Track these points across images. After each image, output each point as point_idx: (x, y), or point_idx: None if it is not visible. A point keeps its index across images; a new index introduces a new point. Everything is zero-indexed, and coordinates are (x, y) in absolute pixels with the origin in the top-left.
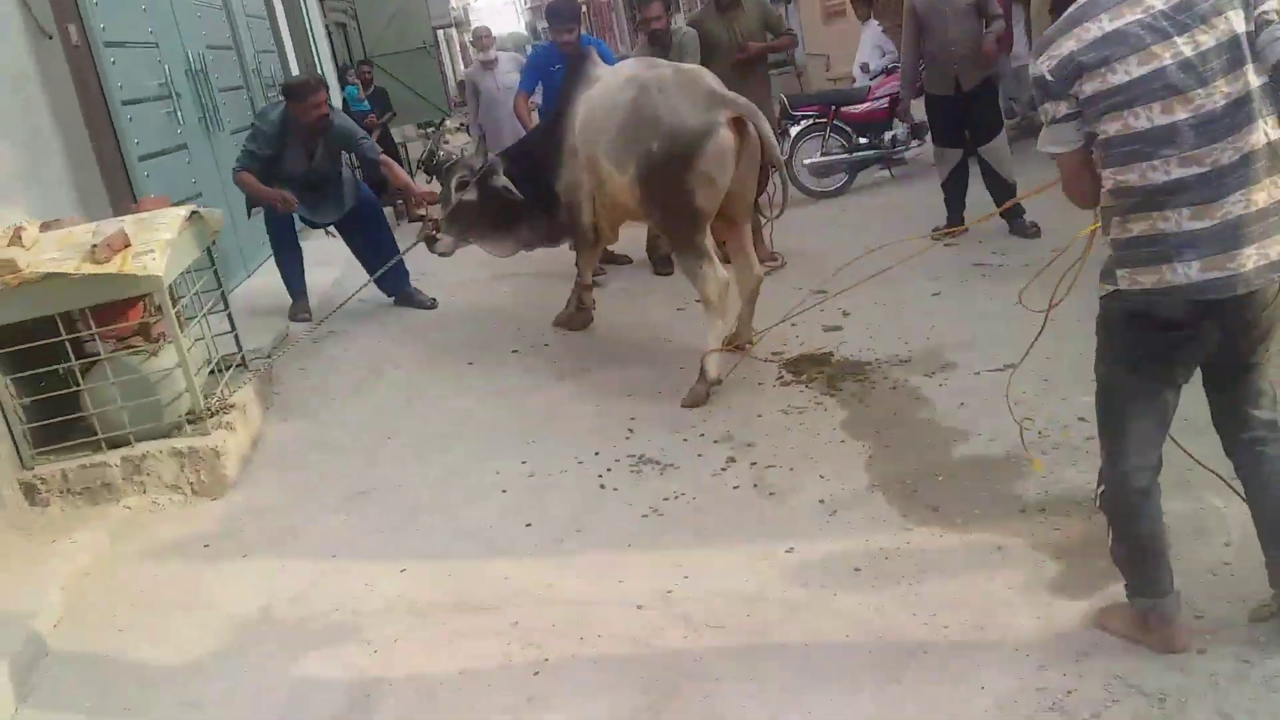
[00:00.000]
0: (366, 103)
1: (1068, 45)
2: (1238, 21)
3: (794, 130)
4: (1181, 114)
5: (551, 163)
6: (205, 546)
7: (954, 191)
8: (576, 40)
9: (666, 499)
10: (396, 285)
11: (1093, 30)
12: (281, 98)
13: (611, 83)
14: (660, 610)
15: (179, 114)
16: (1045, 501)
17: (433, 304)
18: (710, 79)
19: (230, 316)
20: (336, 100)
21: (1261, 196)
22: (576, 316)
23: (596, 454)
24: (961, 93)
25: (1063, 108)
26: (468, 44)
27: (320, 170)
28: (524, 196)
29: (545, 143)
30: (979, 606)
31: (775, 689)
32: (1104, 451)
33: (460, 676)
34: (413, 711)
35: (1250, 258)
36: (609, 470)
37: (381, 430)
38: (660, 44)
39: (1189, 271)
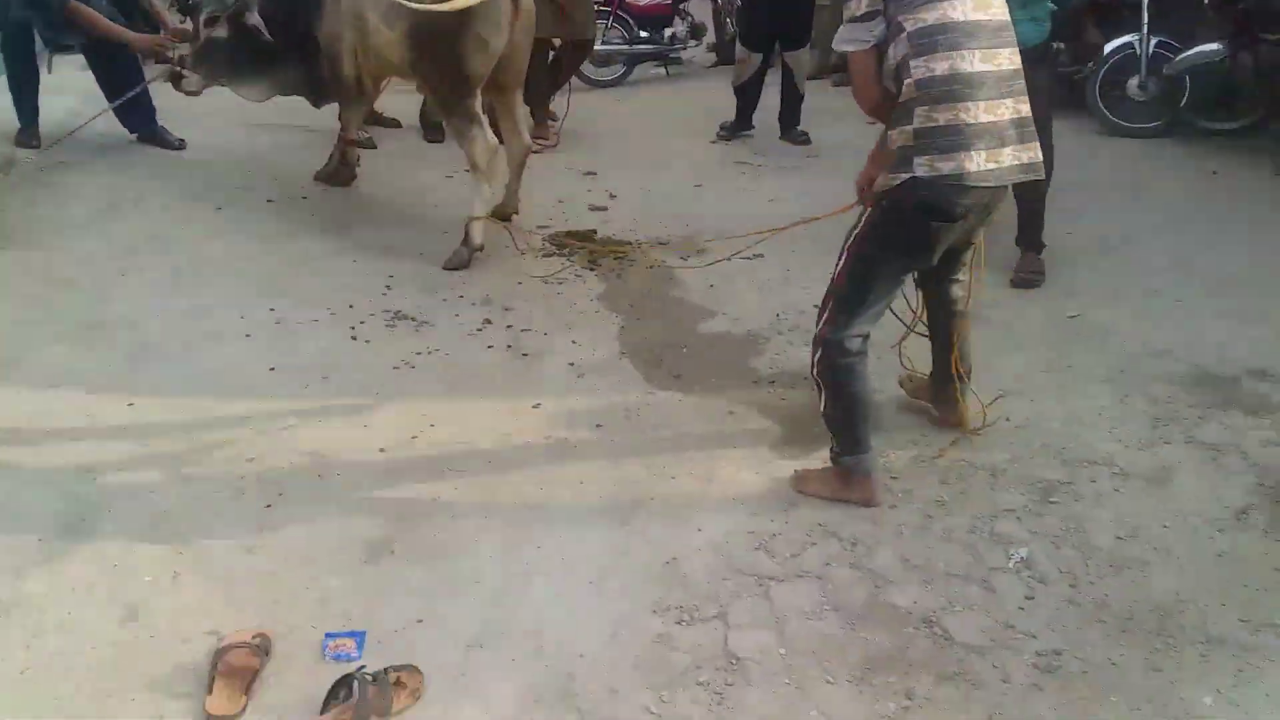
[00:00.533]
0: None
1: None
2: None
3: None
4: (984, 15)
5: (311, 8)
6: None
7: (749, 98)
8: None
9: (419, 353)
10: (141, 121)
11: None
12: None
13: None
14: (403, 453)
15: None
16: (776, 375)
17: (180, 144)
18: None
19: None
20: None
21: (1024, 107)
22: (339, 172)
23: (350, 306)
24: None
25: (864, 4)
26: None
27: None
28: (278, 40)
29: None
30: (706, 462)
31: (509, 526)
32: (831, 319)
33: (187, 505)
34: (133, 534)
35: (1010, 155)
36: (362, 323)
37: (116, 266)
38: None
39: (980, 160)
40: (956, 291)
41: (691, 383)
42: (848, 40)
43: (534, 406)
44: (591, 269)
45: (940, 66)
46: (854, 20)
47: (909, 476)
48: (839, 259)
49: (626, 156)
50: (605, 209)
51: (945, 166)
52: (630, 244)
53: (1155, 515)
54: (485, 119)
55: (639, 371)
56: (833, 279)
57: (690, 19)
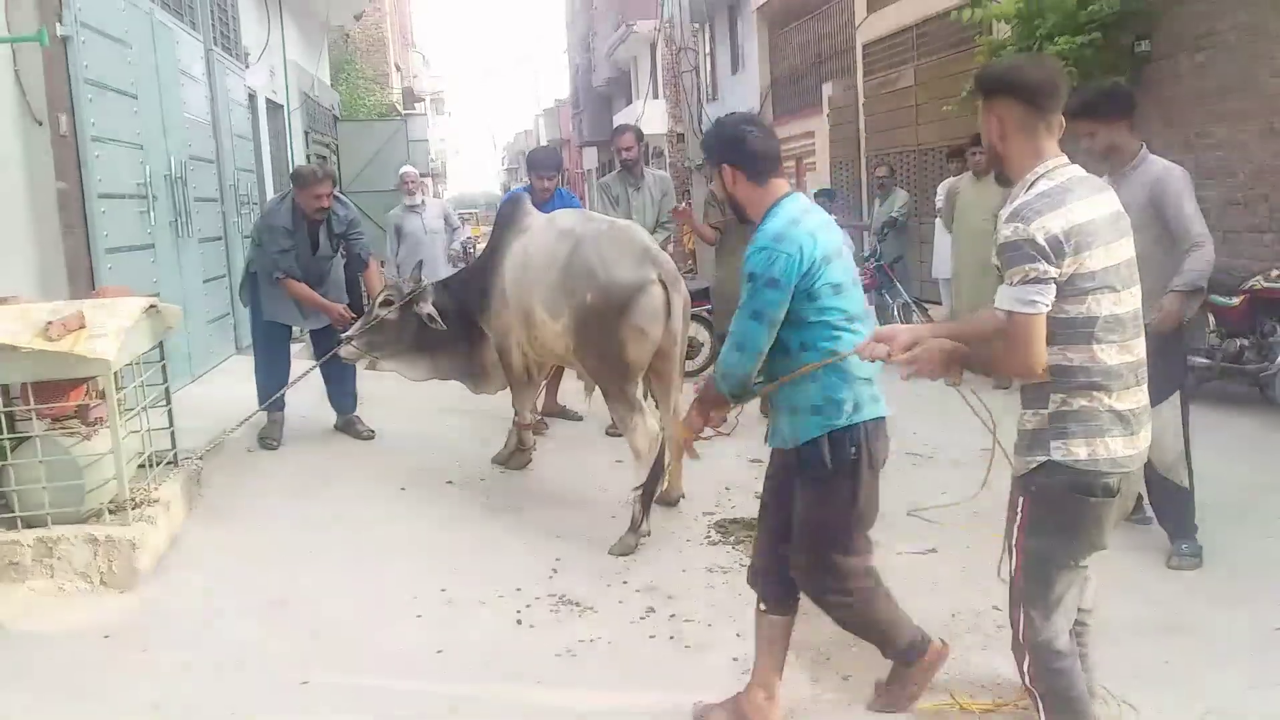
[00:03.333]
0: None
1: (1058, 222)
2: (1132, 244)
3: None
4: (1125, 307)
5: (482, 304)
6: (105, 637)
7: None
8: (554, 189)
9: (582, 641)
10: (344, 405)
11: (1076, 214)
12: (290, 185)
13: (548, 232)
14: None
15: (152, 214)
16: (954, 682)
17: (370, 435)
18: (643, 235)
19: (170, 413)
20: None
21: (1147, 390)
22: (515, 456)
23: (518, 590)
24: None
25: (1051, 271)
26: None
27: (322, 265)
28: (447, 328)
29: (477, 283)
30: None
31: None
32: (1028, 623)
33: None
34: None
35: (1144, 440)
36: (528, 606)
37: (305, 545)
38: (631, 174)
39: (1115, 446)
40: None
41: (862, 685)
42: (1028, 302)
43: (696, 703)
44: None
45: (1078, 356)
46: (1037, 281)
47: None
48: (1012, 558)
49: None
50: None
51: (1081, 452)
52: None
53: None
54: (647, 406)
55: (804, 671)
56: (1012, 582)
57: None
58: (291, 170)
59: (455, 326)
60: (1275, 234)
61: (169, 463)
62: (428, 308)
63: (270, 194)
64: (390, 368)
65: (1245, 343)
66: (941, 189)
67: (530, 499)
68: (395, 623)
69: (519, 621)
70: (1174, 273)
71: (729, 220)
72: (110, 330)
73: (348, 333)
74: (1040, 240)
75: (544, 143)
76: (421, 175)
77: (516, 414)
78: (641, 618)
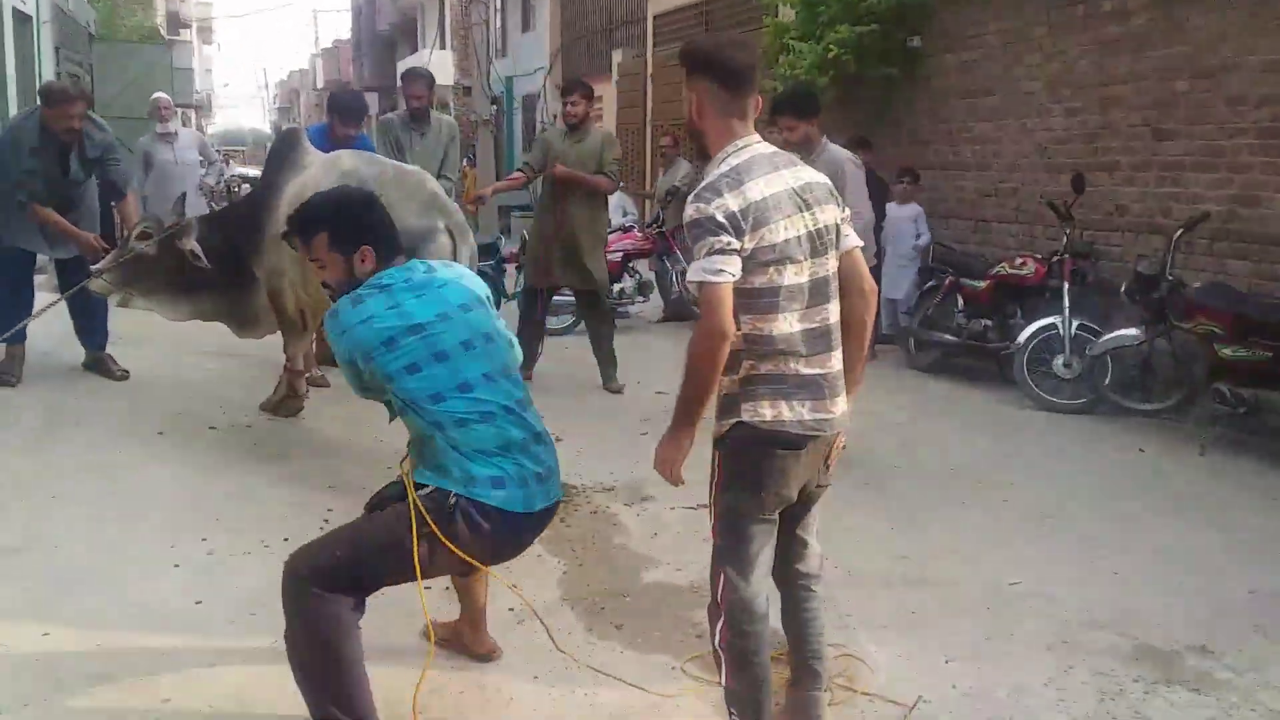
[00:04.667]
0: None
1: (735, 201)
2: (835, 213)
3: None
4: (805, 277)
5: (253, 244)
6: None
7: None
8: (356, 138)
9: None
10: (93, 341)
11: (753, 192)
12: (39, 103)
13: (329, 171)
14: None
15: None
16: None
17: (124, 376)
18: (431, 182)
19: None
20: None
21: (839, 357)
22: (285, 402)
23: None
24: None
25: (734, 243)
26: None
27: (72, 190)
28: (213, 267)
29: (248, 222)
30: (647, 717)
31: None
32: (726, 582)
33: None
34: None
35: (839, 406)
36: None
37: (48, 490)
38: (416, 120)
39: (801, 410)
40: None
41: (634, 634)
42: (715, 272)
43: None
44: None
45: (764, 325)
46: (722, 252)
47: None
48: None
49: (573, 403)
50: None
51: (768, 413)
52: (575, 487)
53: None
54: None
55: (580, 620)
56: (713, 544)
57: (639, 276)
58: (40, 86)
59: (222, 265)
60: (1021, 225)
61: None
62: (191, 243)
63: (13, 113)
64: (146, 305)
65: (989, 324)
66: None
67: (300, 448)
68: (150, 574)
69: None
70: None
71: (542, 175)
72: None
73: (99, 265)
74: (720, 218)
75: (320, 85)
76: (183, 106)
77: (289, 359)
78: None
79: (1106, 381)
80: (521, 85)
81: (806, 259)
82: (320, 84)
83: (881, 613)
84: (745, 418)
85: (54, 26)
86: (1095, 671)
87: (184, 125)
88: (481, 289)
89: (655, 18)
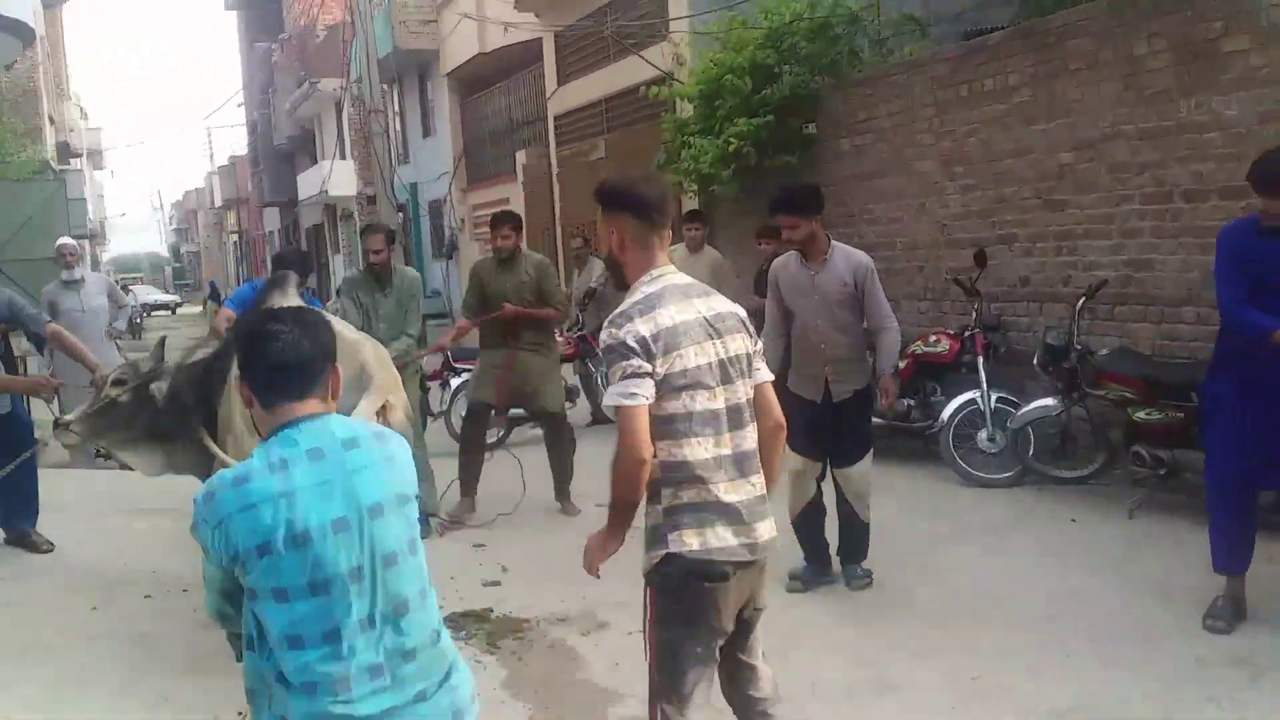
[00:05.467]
0: None
1: (647, 326)
2: (746, 343)
3: (455, 382)
4: (720, 403)
5: (218, 393)
6: None
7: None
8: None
9: None
10: (16, 519)
11: (663, 319)
12: None
13: None
14: None
15: None
16: None
17: (49, 548)
18: (368, 353)
19: None
20: None
21: (760, 482)
22: None
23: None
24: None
25: (646, 366)
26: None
27: None
28: (175, 411)
29: (215, 371)
30: None
31: None
32: (664, 718)
33: None
34: None
35: (764, 532)
36: None
37: None
38: (379, 279)
39: (725, 535)
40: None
41: None
42: (628, 395)
43: None
44: (491, 652)
45: (682, 451)
46: (636, 376)
47: None
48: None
49: (513, 524)
50: (499, 583)
51: (693, 542)
52: (528, 621)
53: None
54: None
55: None
56: (648, 678)
57: (564, 382)
58: None
59: (195, 414)
60: (930, 301)
61: None
62: (160, 385)
63: None
64: (121, 457)
65: (911, 403)
66: None
67: None
68: None
69: None
70: (865, 343)
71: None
72: None
73: (67, 416)
74: (631, 342)
75: (218, 202)
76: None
77: None
78: None
79: (1030, 452)
80: (427, 190)
81: (718, 384)
82: (219, 201)
83: None
84: (672, 549)
85: None
86: None
87: (91, 269)
88: (408, 479)
89: (556, 118)
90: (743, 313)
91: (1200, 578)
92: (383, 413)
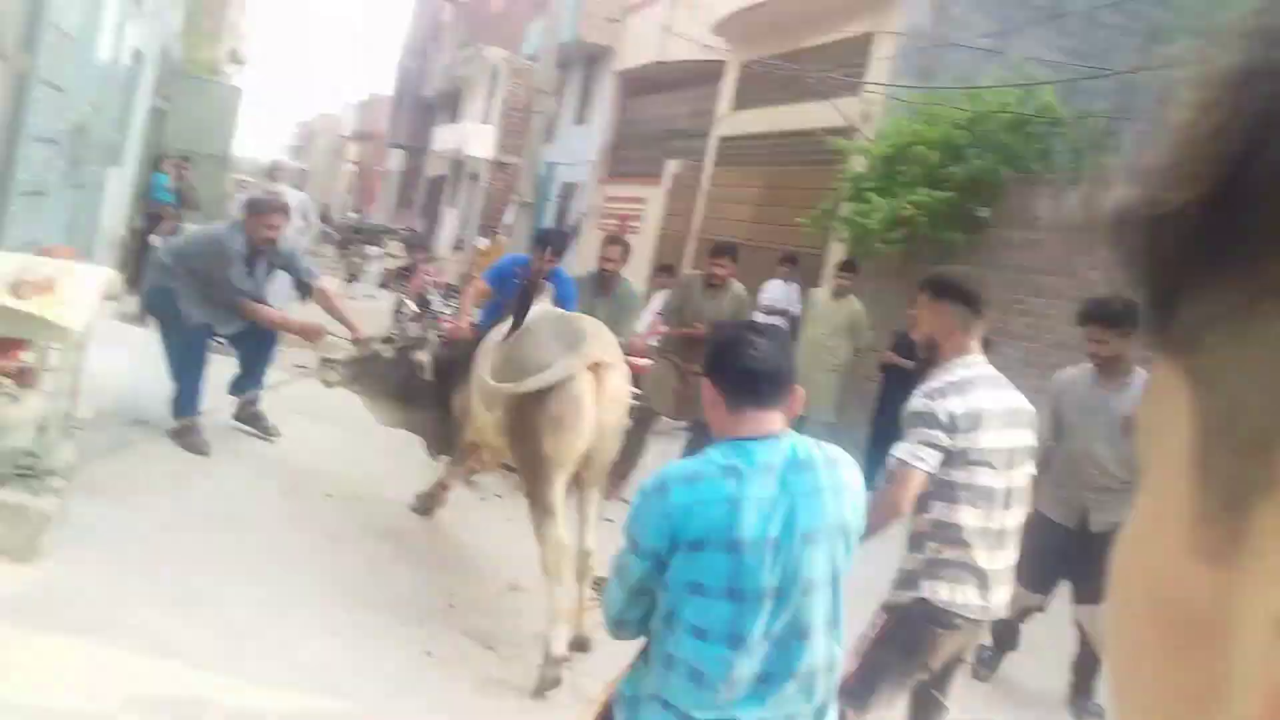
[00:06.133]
0: (173, 195)
1: (960, 405)
2: (1030, 437)
3: None
4: (1000, 483)
5: (460, 374)
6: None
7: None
8: (551, 271)
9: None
10: (248, 388)
11: (973, 402)
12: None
13: (541, 324)
14: None
15: (56, 163)
16: None
17: (275, 435)
18: (588, 323)
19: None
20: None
21: (1012, 558)
22: (426, 504)
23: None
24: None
25: (944, 440)
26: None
27: (259, 289)
28: (427, 384)
29: (464, 355)
30: None
31: None
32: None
33: None
34: None
35: (997, 598)
36: (434, 641)
37: (202, 543)
38: (605, 285)
39: (970, 594)
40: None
41: None
42: (920, 458)
43: None
44: None
45: (957, 516)
46: (932, 446)
47: None
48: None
49: None
50: None
51: (945, 594)
52: None
53: None
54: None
55: None
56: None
57: None
58: (248, 199)
59: (438, 386)
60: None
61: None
62: (421, 355)
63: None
64: (366, 405)
65: None
66: (767, 287)
67: (418, 531)
68: (312, 637)
69: (428, 654)
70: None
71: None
72: (78, 300)
73: (336, 356)
74: (941, 415)
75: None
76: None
77: (442, 475)
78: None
79: None
80: (562, 173)
81: (1003, 468)
82: (347, 130)
83: None
84: (925, 594)
85: (159, 63)
86: None
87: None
88: (854, 508)
89: (721, 138)
90: (1033, 410)
91: None
92: (597, 372)
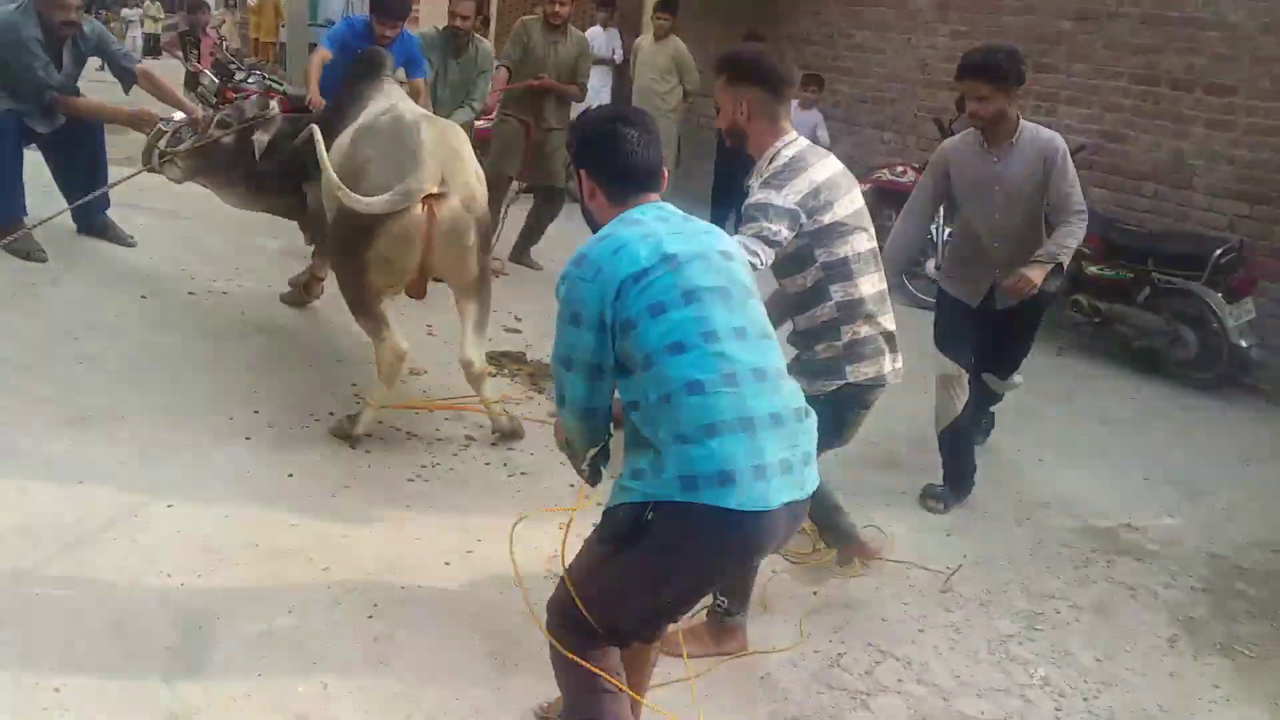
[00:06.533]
0: None
1: (805, 184)
2: (860, 195)
3: None
4: (869, 246)
5: (307, 166)
6: None
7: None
8: (395, 38)
9: (424, 467)
10: (92, 213)
11: (817, 174)
12: None
13: (378, 119)
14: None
15: None
16: None
17: (131, 243)
18: (426, 135)
19: None
20: None
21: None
22: (297, 297)
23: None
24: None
25: (785, 235)
26: None
27: (68, 80)
28: (268, 168)
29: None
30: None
31: None
32: None
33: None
34: (254, 649)
35: (900, 360)
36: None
37: (72, 354)
38: (456, 46)
39: (886, 364)
40: None
41: None
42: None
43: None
44: (540, 389)
45: (861, 288)
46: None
47: (920, 604)
48: None
49: (514, 279)
50: (519, 330)
51: (870, 370)
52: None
53: (1114, 641)
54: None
55: None
56: None
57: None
58: None
59: (291, 168)
60: (894, 133)
61: None
62: (263, 137)
63: None
64: (216, 194)
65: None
66: (587, 35)
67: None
68: (228, 443)
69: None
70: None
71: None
72: None
73: (171, 148)
74: (791, 205)
75: None
76: None
77: (315, 267)
78: (464, 448)
79: None
80: None
81: (869, 228)
82: None
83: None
84: (850, 379)
85: None
86: (1061, 544)
87: None
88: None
89: None
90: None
91: (1132, 413)
92: (431, 202)
